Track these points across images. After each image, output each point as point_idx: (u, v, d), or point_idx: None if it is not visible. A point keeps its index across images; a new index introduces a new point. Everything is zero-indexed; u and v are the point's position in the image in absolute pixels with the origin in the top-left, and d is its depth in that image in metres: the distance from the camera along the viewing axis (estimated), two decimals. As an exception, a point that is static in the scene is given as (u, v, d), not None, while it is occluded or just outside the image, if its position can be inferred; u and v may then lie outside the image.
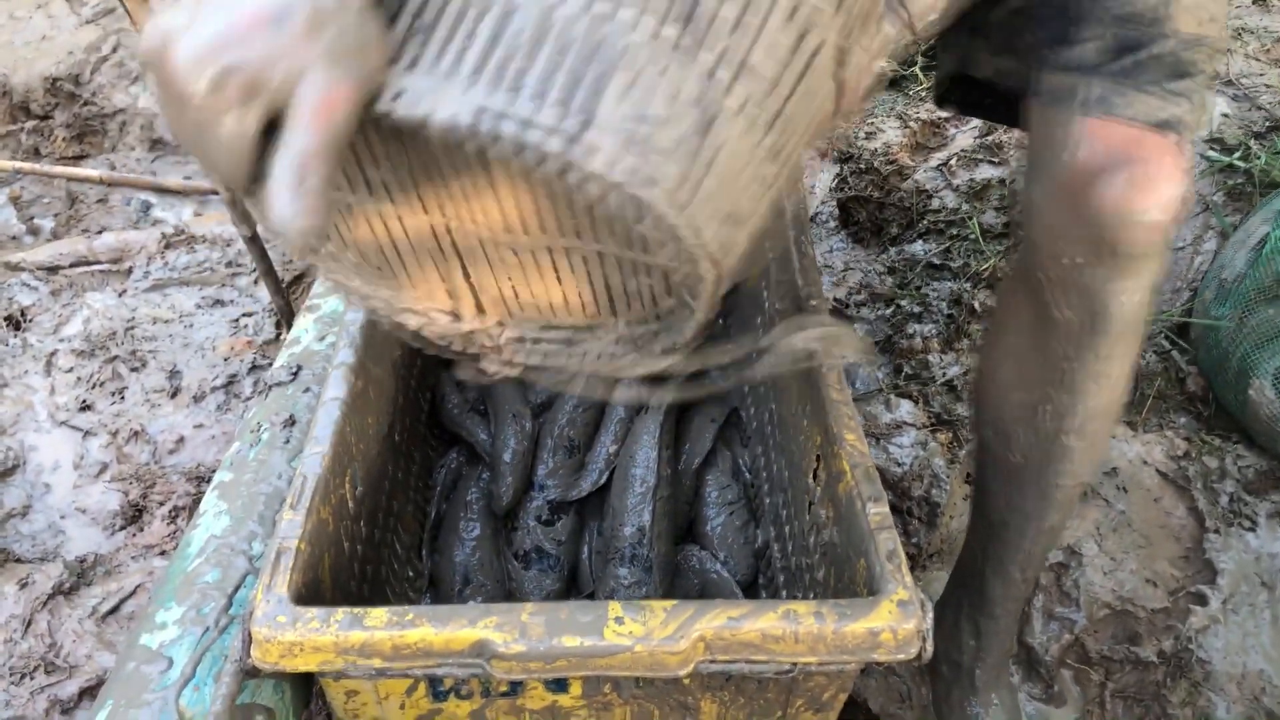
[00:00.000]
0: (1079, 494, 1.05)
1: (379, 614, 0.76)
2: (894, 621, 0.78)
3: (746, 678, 0.87)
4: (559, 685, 0.89)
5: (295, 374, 1.26)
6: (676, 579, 1.28)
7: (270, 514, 1.07)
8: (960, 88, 1.01)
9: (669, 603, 0.78)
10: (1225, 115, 1.91)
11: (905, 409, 1.59)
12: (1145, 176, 0.81)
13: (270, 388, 1.25)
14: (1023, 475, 1.03)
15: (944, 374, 1.64)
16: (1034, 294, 0.92)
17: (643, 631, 0.76)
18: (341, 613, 0.76)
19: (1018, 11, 0.90)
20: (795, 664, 0.80)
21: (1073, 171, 0.83)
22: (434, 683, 0.87)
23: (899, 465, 1.52)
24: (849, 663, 0.80)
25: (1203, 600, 1.37)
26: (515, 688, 0.89)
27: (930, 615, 0.80)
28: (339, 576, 0.94)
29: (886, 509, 0.87)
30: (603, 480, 1.37)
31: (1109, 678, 1.33)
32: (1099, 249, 0.84)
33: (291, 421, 1.19)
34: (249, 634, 0.77)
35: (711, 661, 0.79)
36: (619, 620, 0.77)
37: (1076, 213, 0.84)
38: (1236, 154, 1.80)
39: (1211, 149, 1.85)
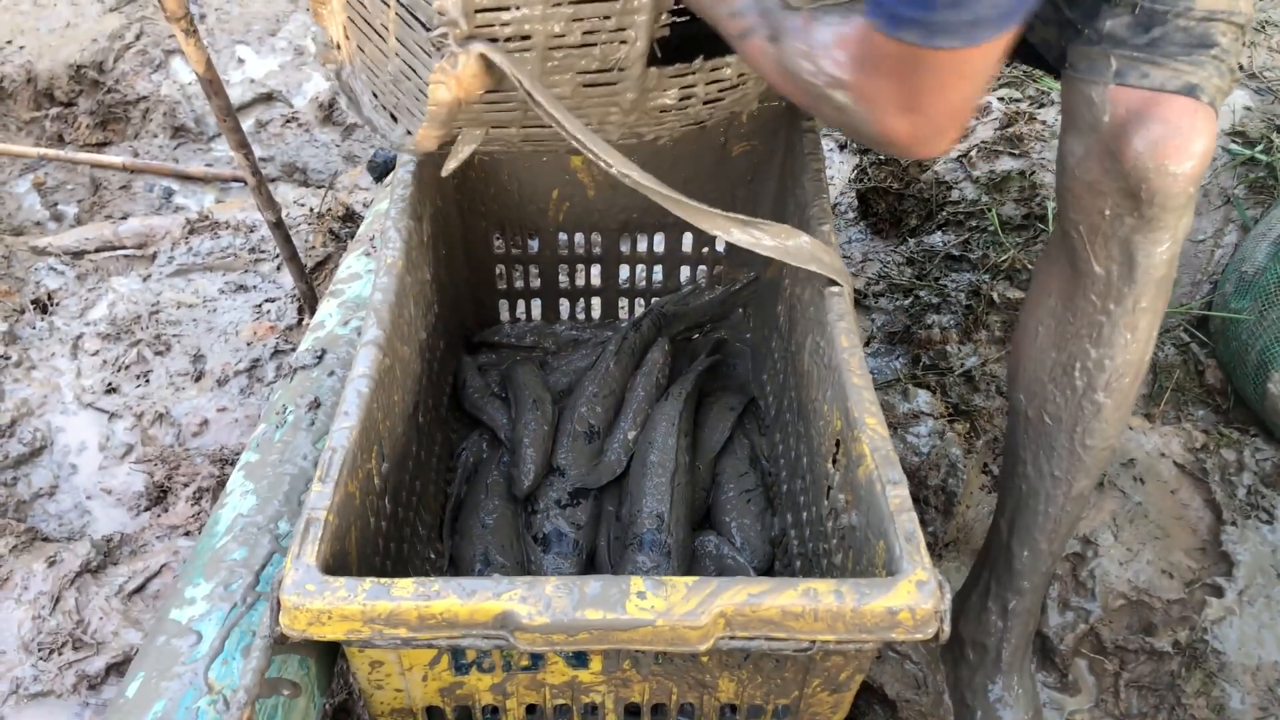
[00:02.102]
0: (1106, 459, 1.10)
1: (405, 584, 0.78)
2: (912, 601, 0.79)
3: (765, 656, 0.88)
4: (579, 660, 0.90)
5: (320, 357, 1.27)
6: (693, 565, 1.29)
7: (296, 494, 1.09)
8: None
9: (690, 579, 0.79)
10: (1248, 109, 1.90)
11: (923, 399, 1.60)
12: (1172, 133, 0.90)
13: (295, 371, 1.27)
14: (1055, 438, 1.09)
15: (962, 365, 1.65)
16: (1071, 253, 1.01)
17: (664, 606, 0.77)
18: (369, 582, 0.78)
19: None
20: (814, 641, 0.81)
21: (1106, 133, 0.93)
22: (456, 655, 0.89)
23: (916, 455, 1.53)
24: (867, 641, 0.81)
25: (1218, 592, 1.37)
26: (536, 662, 0.90)
27: (948, 596, 0.81)
28: (364, 551, 0.95)
29: (906, 492, 0.88)
30: (622, 468, 1.38)
31: (1124, 668, 1.33)
32: (1134, 199, 0.92)
33: (316, 404, 1.20)
34: (278, 602, 0.78)
35: (731, 638, 0.80)
36: (641, 595, 0.78)
37: (1111, 167, 0.92)
38: (1259, 147, 1.80)
39: (1234, 142, 1.84)
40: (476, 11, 0.92)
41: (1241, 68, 2.01)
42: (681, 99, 1.12)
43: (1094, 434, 1.06)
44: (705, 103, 1.14)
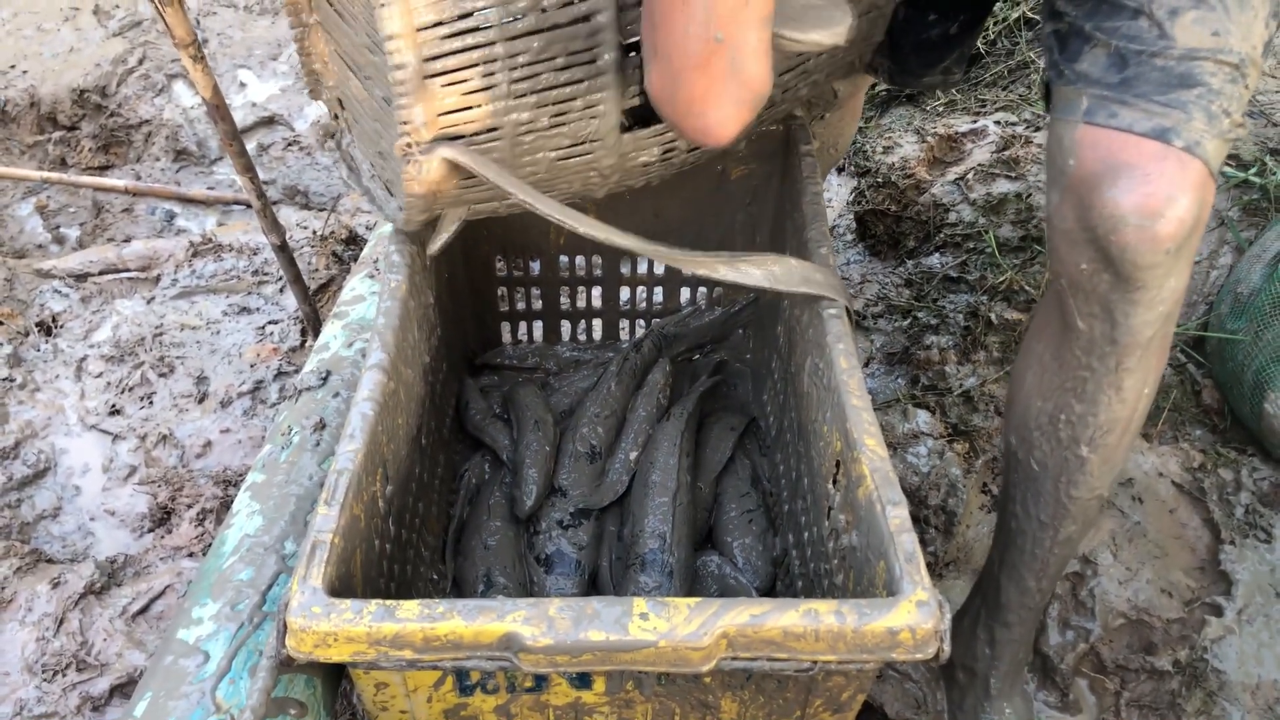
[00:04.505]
0: (1096, 507, 1.06)
1: (411, 606, 0.79)
2: (913, 621, 0.80)
3: (767, 676, 0.89)
4: (583, 681, 0.91)
5: (325, 379, 1.28)
6: (695, 585, 1.30)
7: (301, 514, 1.10)
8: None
9: (693, 600, 0.80)
10: (1241, 131, 1.91)
11: (922, 419, 1.61)
12: (1139, 182, 0.83)
13: (300, 392, 1.27)
14: (1040, 484, 1.05)
15: (961, 385, 1.66)
16: (1059, 303, 0.95)
17: (667, 627, 0.78)
18: (374, 604, 0.79)
19: (1054, 32, 0.94)
20: (815, 662, 0.81)
21: (1075, 178, 0.87)
22: (461, 676, 0.89)
23: (916, 474, 1.53)
24: (868, 661, 0.82)
25: (1218, 611, 1.38)
26: (540, 683, 0.91)
27: (948, 616, 0.81)
28: (369, 573, 0.96)
29: (906, 512, 0.89)
30: (624, 488, 1.39)
31: (1124, 687, 1.33)
32: (1105, 256, 0.86)
33: (321, 425, 1.21)
34: (284, 624, 0.79)
35: (734, 658, 0.81)
36: (644, 616, 0.79)
37: (1083, 218, 0.86)
38: (1252, 169, 1.81)
39: (1227, 164, 1.86)
40: (440, 115, 0.95)
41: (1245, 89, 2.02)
42: (665, 153, 1.12)
43: (1079, 485, 1.03)
44: (689, 151, 1.15)
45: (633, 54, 0.99)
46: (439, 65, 0.92)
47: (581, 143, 1.04)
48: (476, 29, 0.92)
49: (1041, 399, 1.01)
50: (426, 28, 0.90)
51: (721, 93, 0.80)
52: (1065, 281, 0.92)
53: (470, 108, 0.96)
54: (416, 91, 0.92)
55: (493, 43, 0.93)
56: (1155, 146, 0.83)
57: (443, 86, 0.93)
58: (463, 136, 0.98)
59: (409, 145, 0.96)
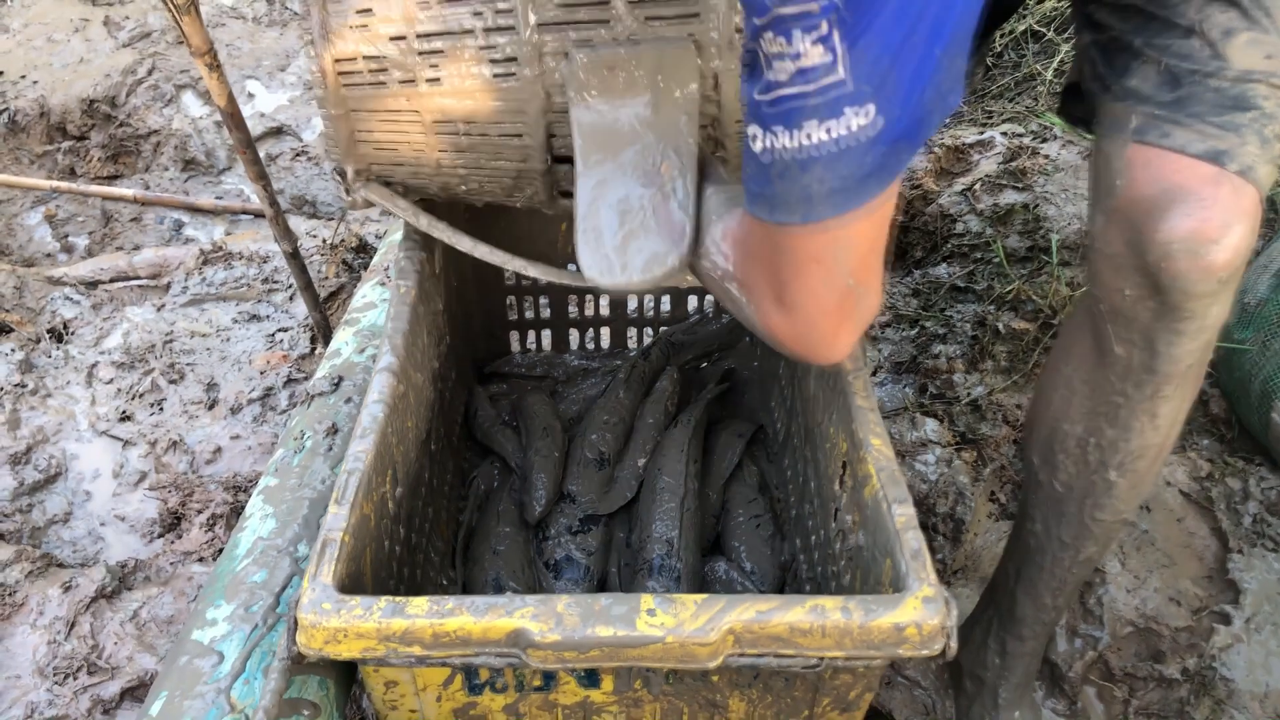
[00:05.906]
0: (1118, 530, 1.05)
1: (420, 602, 0.79)
2: (919, 616, 0.80)
3: (774, 674, 0.89)
4: (591, 680, 0.91)
5: (337, 385, 1.29)
6: (703, 591, 1.30)
7: (314, 518, 1.11)
8: (1072, 99, 1.00)
9: (700, 596, 0.81)
10: (1247, 141, 1.92)
11: (930, 427, 1.61)
12: (1195, 207, 0.80)
13: (312, 398, 1.28)
14: (1064, 505, 1.04)
15: (968, 394, 1.66)
16: (1094, 326, 0.93)
17: (674, 623, 0.79)
18: (384, 600, 0.79)
19: (1094, 43, 0.91)
20: (822, 658, 0.82)
21: (1125, 200, 0.84)
22: (470, 675, 0.90)
23: (925, 482, 1.54)
24: (875, 658, 0.82)
25: (1226, 619, 1.38)
26: (548, 682, 0.91)
27: (955, 612, 0.82)
28: (379, 574, 0.97)
29: (912, 510, 0.89)
30: (632, 494, 1.39)
31: (1133, 695, 1.33)
32: (1153, 282, 0.83)
33: (334, 430, 1.22)
34: (295, 621, 0.80)
35: (740, 654, 0.81)
36: (651, 612, 0.79)
37: (1132, 241, 0.84)
38: (1258, 180, 1.82)
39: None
40: (369, 156, 1.10)
41: None
42: None
43: (1104, 509, 1.01)
44: None
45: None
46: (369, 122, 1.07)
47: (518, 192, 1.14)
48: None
49: (1069, 423, 0.99)
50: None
51: (851, 327, 0.82)
52: (1105, 306, 0.89)
53: (399, 165, 1.10)
54: (346, 145, 1.08)
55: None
56: (1210, 170, 0.80)
57: (374, 150, 1.09)
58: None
59: (340, 178, 1.11)
